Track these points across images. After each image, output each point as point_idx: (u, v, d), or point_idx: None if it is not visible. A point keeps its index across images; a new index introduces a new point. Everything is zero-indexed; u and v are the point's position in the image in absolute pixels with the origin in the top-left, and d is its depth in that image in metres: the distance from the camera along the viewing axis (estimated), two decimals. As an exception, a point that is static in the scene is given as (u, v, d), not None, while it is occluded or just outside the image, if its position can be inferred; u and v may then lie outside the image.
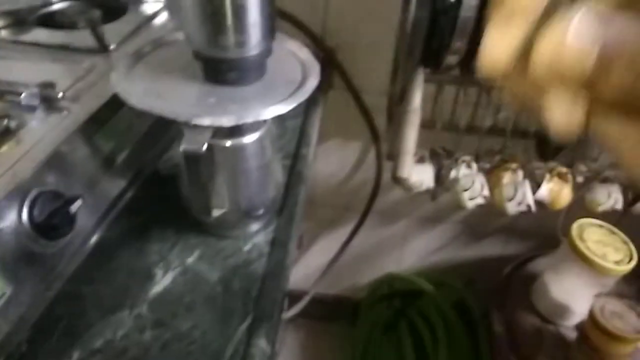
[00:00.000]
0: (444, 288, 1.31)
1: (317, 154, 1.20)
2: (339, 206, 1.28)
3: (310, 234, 1.37)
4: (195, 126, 0.44)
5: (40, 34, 0.62)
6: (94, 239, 0.47)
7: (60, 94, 0.49)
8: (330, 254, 1.23)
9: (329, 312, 1.51)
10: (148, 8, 0.71)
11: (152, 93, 0.47)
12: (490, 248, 1.31)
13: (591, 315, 0.86)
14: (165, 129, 0.59)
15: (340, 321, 1.49)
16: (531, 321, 1.03)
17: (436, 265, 1.37)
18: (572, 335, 0.97)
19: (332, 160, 1.19)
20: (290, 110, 0.67)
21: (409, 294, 1.35)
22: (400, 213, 1.28)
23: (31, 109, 0.48)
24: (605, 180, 0.96)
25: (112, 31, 0.62)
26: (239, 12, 0.44)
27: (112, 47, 0.60)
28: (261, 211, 0.55)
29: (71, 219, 0.42)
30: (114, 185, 0.50)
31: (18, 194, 0.39)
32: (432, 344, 1.22)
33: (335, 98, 1.04)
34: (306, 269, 1.36)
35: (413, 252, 1.36)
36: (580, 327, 0.94)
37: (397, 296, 1.37)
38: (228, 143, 0.49)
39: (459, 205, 0.94)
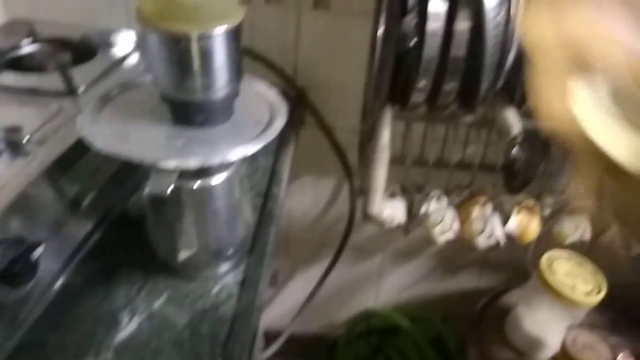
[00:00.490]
0: (420, 323, 1.31)
1: (291, 190, 1.20)
2: (313, 242, 1.28)
3: (286, 271, 1.36)
4: (162, 169, 0.44)
5: (8, 78, 0.62)
6: (58, 284, 0.47)
7: (26, 138, 0.49)
8: (307, 290, 1.22)
9: (306, 350, 1.49)
10: (118, 51, 0.72)
11: (118, 136, 0.47)
12: (465, 281, 1.32)
13: (563, 348, 0.87)
14: (133, 171, 0.59)
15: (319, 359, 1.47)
16: (506, 355, 1.03)
17: (412, 300, 1.37)
18: (546, 368, 0.97)
19: (306, 197, 1.20)
20: (262, 149, 0.67)
21: (386, 331, 1.34)
22: (374, 248, 1.28)
23: (-4, 153, 0.47)
24: (573, 212, 0.98)
25: (82, 74, 0.62)
26: (205, 56, 0.45)
27: (80, 89, 0.60)
28: (230, 251, 0.55)
29: (33, 266, 0.41)
30: (80, 229, 0.50)
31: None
32: (410, 380, 1.21)
33: (308, 136, 1.05)
34: (282, 307, 1.35)
35: (389, 286, 1.36)
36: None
37: (374, 333, 1.36)
38: (196, 184, 0.49)
39: (430, 240, 0.95)
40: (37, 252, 0.40)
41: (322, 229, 1.24)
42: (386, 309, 1.37)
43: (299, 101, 1.01)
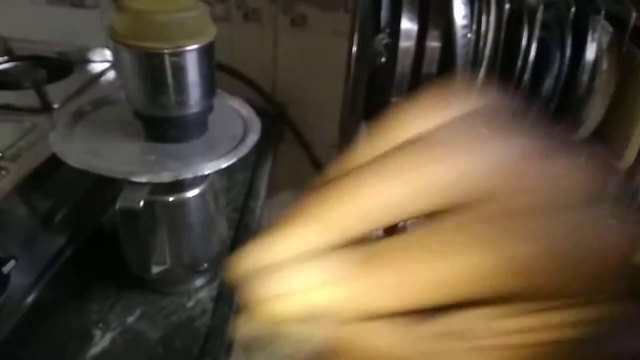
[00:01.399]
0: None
1: (269, 206, 1.21)
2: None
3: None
4: (134, 183, 0.45)
5: (-18, 94, 0.62)
6: (30, 298, 0.46)
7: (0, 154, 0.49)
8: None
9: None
10: (94, 67, 0.72)
11: (91, 152, 0.47)
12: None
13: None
14: (108, 187, 0.59)
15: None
16: None
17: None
18: None
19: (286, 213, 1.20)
20: (239, 164, 0.68)
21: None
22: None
23: (-33, 169, 0.47)
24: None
25: (57, 90, 0.63)
26: (178, 72, 0.46)
27: (55, 106, 0.60)
28: (205, 266, 0.55)
29: (4, 281, 0.41)
30: (53, 244, 0.50)
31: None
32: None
33: (287, 151, 1.06)
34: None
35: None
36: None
37: None
38: (169, 198, 0.50)
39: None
40: (8, 267, 0.40)
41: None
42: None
43: (278, 117, 1.02)
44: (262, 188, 0.78)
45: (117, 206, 0.43)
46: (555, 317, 0.18)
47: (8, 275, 0.41)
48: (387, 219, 0.16)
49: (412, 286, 0.15)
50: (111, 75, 0.73)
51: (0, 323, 0.43)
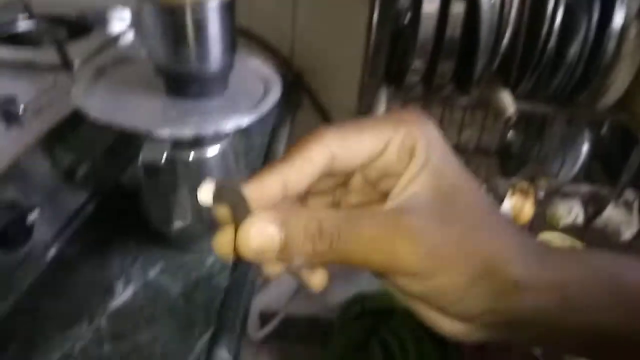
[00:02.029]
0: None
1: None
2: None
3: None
4: (155, 138, 0.45)
5: (4, 51, 0.62)
6: (52, 251, 0.47)
7: (21, 108, 0.49)
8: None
9: (302, 333, 1.50)
10: (113, 27, 0.72)
11: (112, 107, 0.47)
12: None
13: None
14: (128, 144, 0.59)
15: (314, 342, 1.48)
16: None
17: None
18: (538, 350, 0.98)
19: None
20: (257, 128, 0.68)
21: (380, 313, 1.35)
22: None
23: (-9, 122, 0.48)
24: (566, 196, 0.99)
25: (77, 49, 0.63)
26: (199, 26, 0.46)
27: (76, 64, 0.60)
28: (224, 224, 0.55)
29: (28, 230, 0.42)
30: (74, 199, 0.50)
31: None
32: (403, 361, 1.22)
33: (304, 118, 1.05)
34: (278, 290, 1.36)
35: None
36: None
37: (368, 315, 1.37)
38: (190, 155, 0.50)
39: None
40: (32, 216, 0.41)
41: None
42: (381, 292, 1.38)
43: (296, 83, 1.02)
44: (281, 152, 0.78)
45: (139, 161, 0.43)
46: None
47: (32, 225, 0.42)
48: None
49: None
50: (130, 35, 0.72)
51: (24, 274, 0.43)
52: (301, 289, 1.23)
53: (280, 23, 0.98)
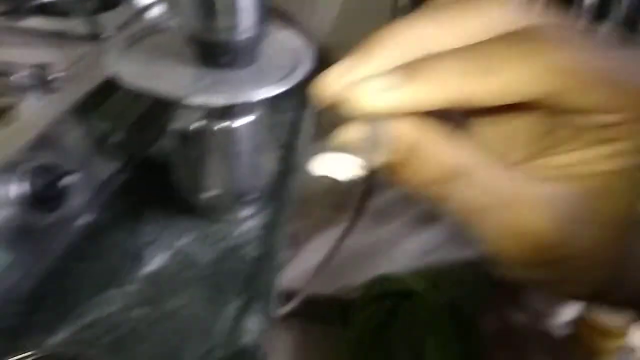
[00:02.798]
0: (435, 288, 1.32)
1: (310, 153, 1.21)
2: (332, 205, 1.29)
3: (304, 233, 1.37)
4: (188, 106, 0.45)
5: (35, 21, 0.63)
6: (86, 217, 0.48)
7: (54, 76, 0.50)
8: (324, 253, 1.23)
9: (322, 312, 1.51)
10: (141, 1, 0.72)
11: (145, 75, 0.47)
12: (482, 248, 1.31)
13: (581, 312, 0.87)
14: (158, 115, 0.59)
15: (334, 322, 1.49)
16: (524, 321, 1.03)
17: (430, 266, 1.37)
18: (563, 332, 0.97)
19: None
20: (282, 104, 0.67)
21: (400, 295, 1.35)
22: (394, 213, 1.28)
23: (24, 89, 0.48)
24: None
25: (107, 20, 0.63)
26: (231, -6, 0.45)
27: (105, 35, 0.60)
28: (253, 196, 0.55)
29: (65, 192, 0.42)
30: (107, 167, 0.51)
31: (13, 167, 0.40)
32: (423, 343, 1.22)
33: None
34: (299, 269, 1.36)
35: (407, 252, 1.37)
36: (570, 324, 0.95)
37: (388, 296, 1.37)
38: (220, 125, 0.50)
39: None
40: (69, 179, 0.41)
41: (342, 192, 1.24)
42: (402, 274, 1.38)
43: (322, 60, 1.01)
44: (307, 128, 0.78)
45: (173, 127, 0.43)
46: (618, 145, 0.19)
47: (68, 189, 0.42)
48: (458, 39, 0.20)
49: (478, 81, 0.18)
50: (158, 8, 0.72)
51: (58, 236, 0.44)
52: (322, 268, 1.24)
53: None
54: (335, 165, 0.20)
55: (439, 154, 0.19)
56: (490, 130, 0.24)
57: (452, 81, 0.18)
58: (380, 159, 0.19)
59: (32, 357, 0.39)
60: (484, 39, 0.20)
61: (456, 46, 0.20)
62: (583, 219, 0.19)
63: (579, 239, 0.19)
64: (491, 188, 0.19)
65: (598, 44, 0.18)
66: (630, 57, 0.19)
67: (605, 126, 0.18)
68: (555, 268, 0.20)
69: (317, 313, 1.52)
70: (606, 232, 0.19)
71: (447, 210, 0.21)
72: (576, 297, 0.23)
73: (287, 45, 0.55)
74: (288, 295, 1.27)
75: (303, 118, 0.80)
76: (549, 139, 0.21)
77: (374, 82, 0.19)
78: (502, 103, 0.19)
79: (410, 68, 0.19)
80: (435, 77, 0.19)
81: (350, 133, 0.20)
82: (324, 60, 1.02)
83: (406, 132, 0.19)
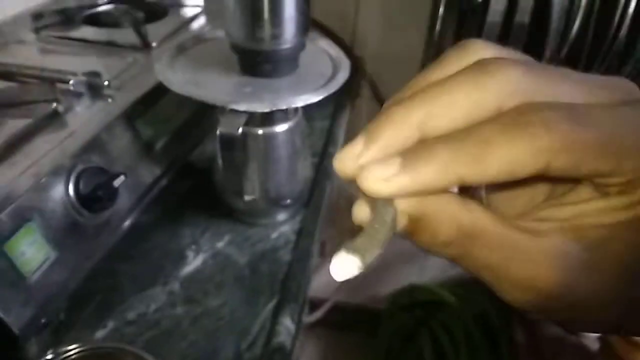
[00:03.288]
0: (465, 300, 1.31)
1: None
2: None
3: (333, 241, 1.38)
4: (232, 111, 0.47)
5: (87, 31, 0.66)
6: (131, 219, 0.50)
7: (106, 83, 0.52)
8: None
9: (349, 321, 1.51)
10: (187, 12, 0.75)
11: (192, 82, 0.50)
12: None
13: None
14: (200, 122, 0.62)
15: (361, 331, 1.49)
16: (553, 331, 1.02)
17: (459, 277, 1.37)
18: (594, 345, 0.95)
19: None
20: (319, 112, 0.68)
21: (430, 305, 1.35)
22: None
23: (78, 95, 0.51)
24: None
25: (154, 31, 0.66)
26: (276, 6, 0.47)
27: (154, 44, 0.63)
28: (289, 201, 0.57)
29: (114, 194, 0.44)
30: (152, 171, 0.53)
31: (65, 168, 0.42)
32: (454, 354, 1.22)
33: (363, 107, 1.06)
34: (328, 277, 1.36)
35: (436, 263, 1.36)
36: (602, 337, 0.93)
37: (418, 306, 1.37)
38: (261, 131, 0.52)
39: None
40: (119, 180, 0.43)
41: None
42: (431, 284, 1.37)
43: (355, 71, 1.02)
44: (341, 136, 0.79)
45: (217, 132, 0.45)
46: (614, 201, 0.20)
47: (117, 190, 0.45)
48: (452, 122, 0.20)
49: (470, 167, 0.19)
50: (203, 19, 0.75)
51: (105, 236, 0.46)
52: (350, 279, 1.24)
53: (342, 9, 0.99)
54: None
55: (455, 217, 0.20)
56: (492, 188, 0.26)
57: (448, 169, 0.19)
58: (392, 231, 0.21)
59: (77, 350, 0.41)
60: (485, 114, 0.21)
61: (456, 126, 0.21)
62: (588, 267, 0.20)
63: (585, 285, 0.20)
64: (501, 245, 0.20)
65: (589, 111, 0.19)
66: (625, 120, 0.20)
67: (605, 185, 0.20)
68: (569, 311, 0.22)
69: (344, 322, 1.53)
70: (612, 277, 0.20)
71: (462, 267, 0.22)
72: (595, 332, 0.24)
73: (325, 55, 0.57)
74: (316, 304, 1.29)
75: (338, 126, 0.81)
76: (550, 192, 0.23)
77: (374, 171, 0.20)
78: (498, 182, 0.20)
79: (408, 158, 0.20)
80: (431, 165, 0.20)
81: (361, 211, 0.22)
82: (360, 71, 1.04)
83: (412, 204, 0.21)
